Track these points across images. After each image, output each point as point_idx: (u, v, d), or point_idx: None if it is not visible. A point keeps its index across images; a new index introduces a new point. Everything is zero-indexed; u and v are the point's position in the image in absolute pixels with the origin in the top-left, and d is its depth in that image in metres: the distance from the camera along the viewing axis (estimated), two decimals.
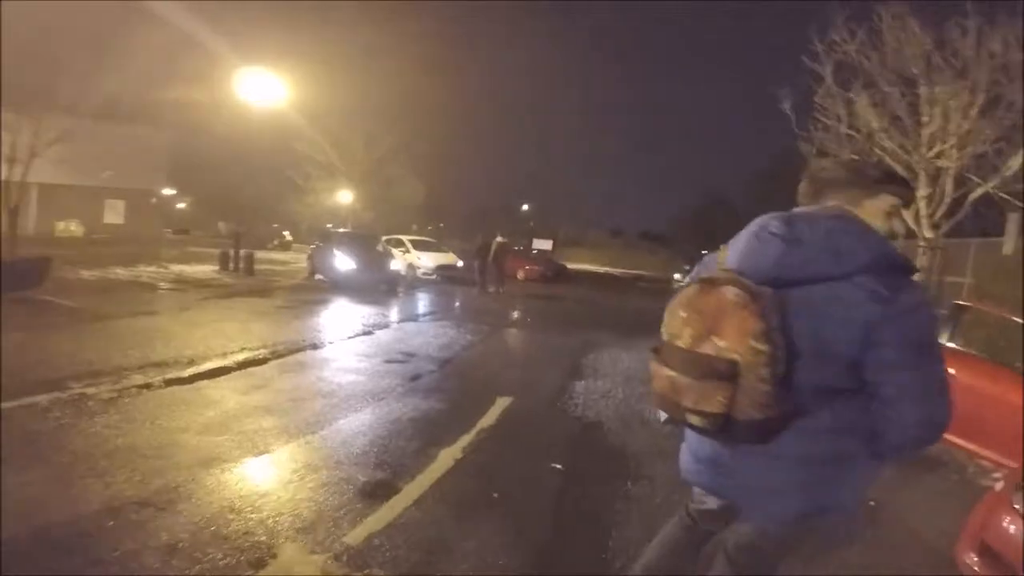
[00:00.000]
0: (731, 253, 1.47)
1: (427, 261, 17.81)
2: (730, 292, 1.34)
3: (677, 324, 1.43)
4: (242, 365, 5.87)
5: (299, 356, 6.49)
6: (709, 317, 1.35)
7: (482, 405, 4.99)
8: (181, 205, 49.62)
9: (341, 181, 24.81)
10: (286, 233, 37.11)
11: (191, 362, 5.77)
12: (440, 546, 2.72)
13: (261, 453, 3.66)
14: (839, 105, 7.25)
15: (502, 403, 5.08)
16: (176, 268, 15.79)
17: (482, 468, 3.71)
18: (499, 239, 16.44)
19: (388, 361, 6.45)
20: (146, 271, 14.36)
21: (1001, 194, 6.32)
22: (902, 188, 1.46)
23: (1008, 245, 10.36)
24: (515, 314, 12.07)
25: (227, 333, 7.40)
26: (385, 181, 26.59)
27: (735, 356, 1.30)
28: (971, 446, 3.76)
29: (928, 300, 1.37)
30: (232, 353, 6.30)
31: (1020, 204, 6.58)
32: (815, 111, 7.80)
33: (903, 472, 4.11)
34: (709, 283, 1.40)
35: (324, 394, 5.06)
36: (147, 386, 4.83)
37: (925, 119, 6.61)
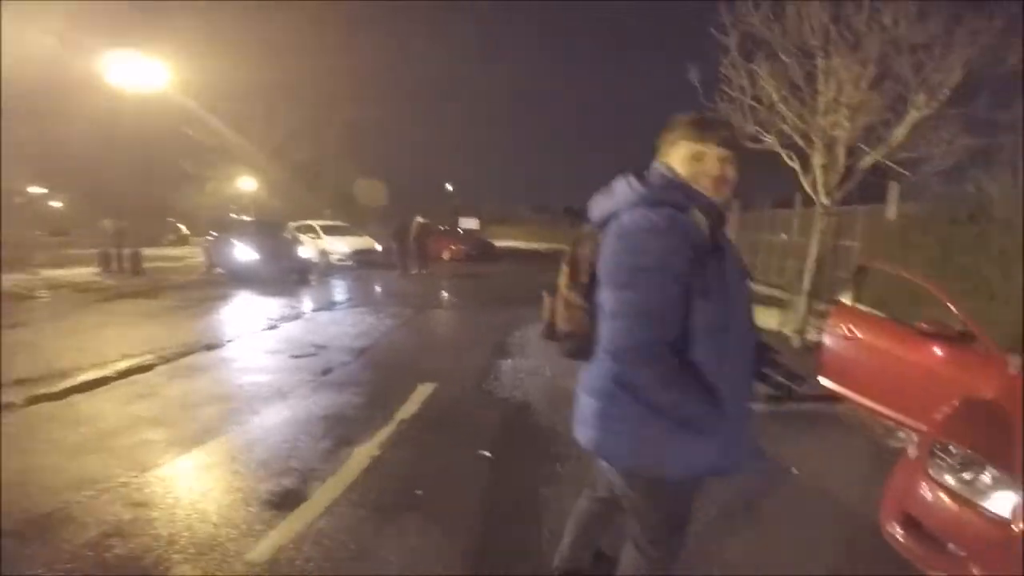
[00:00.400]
0: None
1: (341, 247, 16.84)
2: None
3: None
4: (123, 374, 5.21)
5: (192, 359, 5.80)
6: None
7: (402, 394, 4.60)
8: (56, 204, 44.79)
9: (241, 168, 22.88)
10: (181, 227, 34.26)
11: (62, 375, 5.08)
12: (357, 556, 2.41)
13: (147, 469, 3.20)
14: (743, 76, 7.33)
15: (424, 390, 4.71)
16: (49, 273, 14.06)
17: (403, 464, 3.35)
18: (419, 220, 15.84)
19: (296, 356, 5.89)
20: (12, 279, 12.63)
21: (888, 162, 6.60)
22: (699, 132, 1.50)
23: (891, 210, 11.35)
24: (439, 295, 11.61)
25: (107, 340, 6.57)
26: (293, 166, 24.79)
27: (561, 278, 1.63)
28: (877, 407, 3.70)
29: (654, 231, 1.39)
30: (112, 362, 5.60)
31: (904, 172, 6.93)
32: (721, 83, 7.86)
33: (812, 435, 4.14)
34: None
35: (221, 398, 4.50)
36: (8, 407, 4.19)
37: (821, 89, 6.79)
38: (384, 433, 3.80)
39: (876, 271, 4.83)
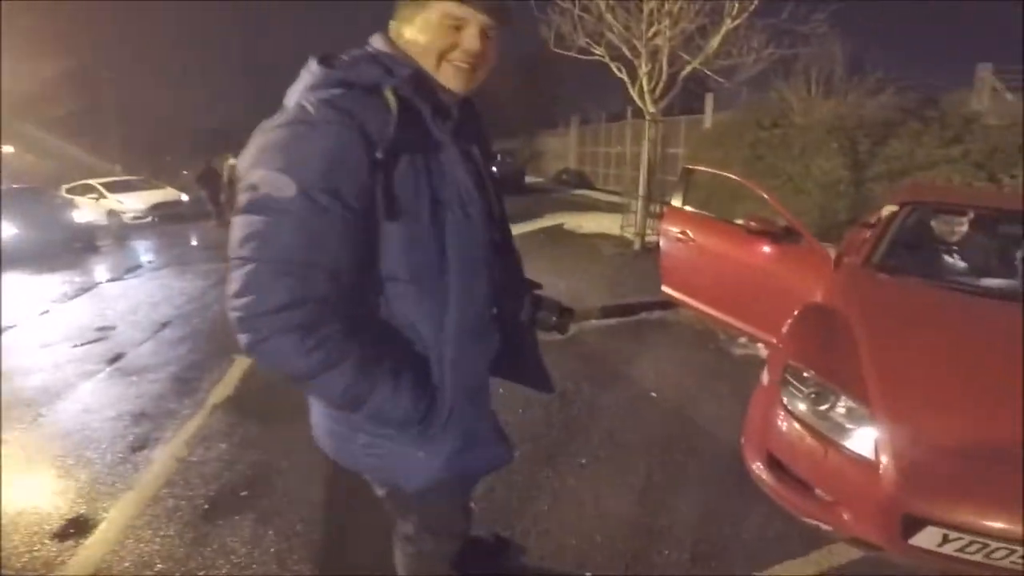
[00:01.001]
0: None
1: (135, 203, 14.18)
2: None
3: None
4: None
5: None
6: None
7: (214, 373, 3.88)
8: None
9: None
10: None
11: None
12: None
13: None
14: None
15: (241, 364, 4.00)
16: None
17: (219, 462, 2.76)
18: (231, 161, 13.78)
19: (75, 345, 4.74)
20: None
21: (705, 71, 6.87)
22: None
23: (707, 120, 12.50)
24: None
25: None
26: (54, 123, 20.17)
27: None
28: (716, 313, 3.62)
29: (306, 123, 0.93)
30: None
31: (720, 80, 7.28)
32: None
33: (662, 349, 4.22)
34: None
35: None
36: None
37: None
38: (192, 426, 3.14)
39: (701, 174, 4.93)
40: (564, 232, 9.26)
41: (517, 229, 9.47)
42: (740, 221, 3.51)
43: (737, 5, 6.52)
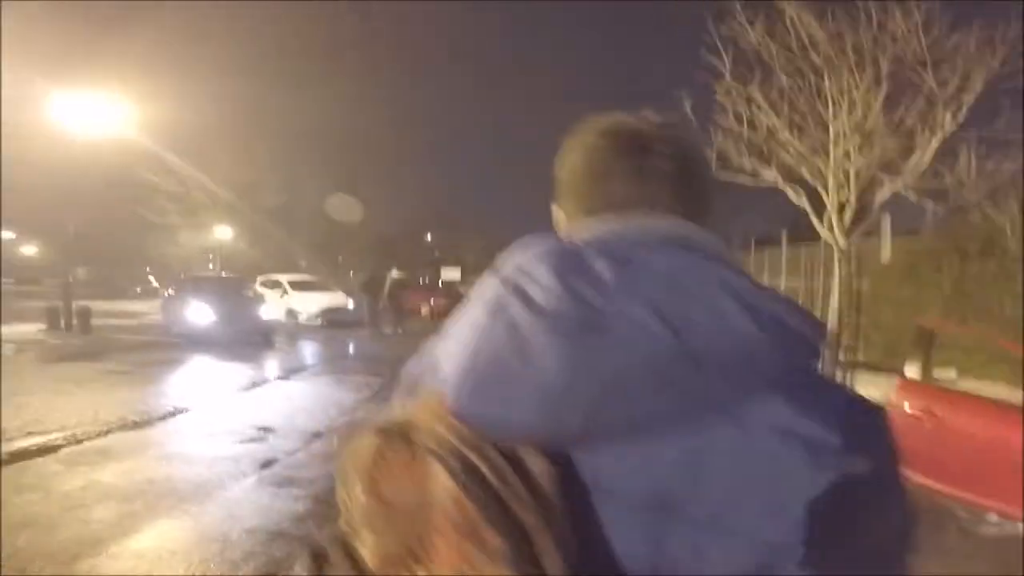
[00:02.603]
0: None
1: (309, 305, 15.80)
2: None
3: None
4: (16, 457, 4.30)
5: (109, 440, 4.84)
6: None
7: None
8: (28, 251, 43.42)
9: (207, 215, 21.83)
10: (151, 278, 32.96)
11: None
12: None
13: None
14: (740, 103, 6.73)
15: None
16: None
17: None
18: (395, 273, 15.02)
19: (237, 440, 4.92)
20: None
21: (909, 193, 6.01)
22: None
23: (884, 247, 10.22)
24: (413, 358, 10.66)
25: (14, 413, 5.56)
26: (263, 213, 23.73)
27: None
28: (964, 493, 3.17)
29: None
30: (10, 439, 4.68)
31: (929, 207, 6.38)
32: (714, 112, 7.24)
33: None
34: None
35: (122, 495, 3.57)
36: None
37: (828, 114, 6.23)
38: None
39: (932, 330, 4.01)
40: None
41: None
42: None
43: (948, 115, 5.68)
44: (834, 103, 6.24)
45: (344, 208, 29.27)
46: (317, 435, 5.22)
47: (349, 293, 17.20)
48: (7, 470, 4.01)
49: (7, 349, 10.22)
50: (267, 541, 3.07)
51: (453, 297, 22.54)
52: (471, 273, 43.55)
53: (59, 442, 4.68)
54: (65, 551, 2.78)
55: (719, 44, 6.86)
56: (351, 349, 11.81)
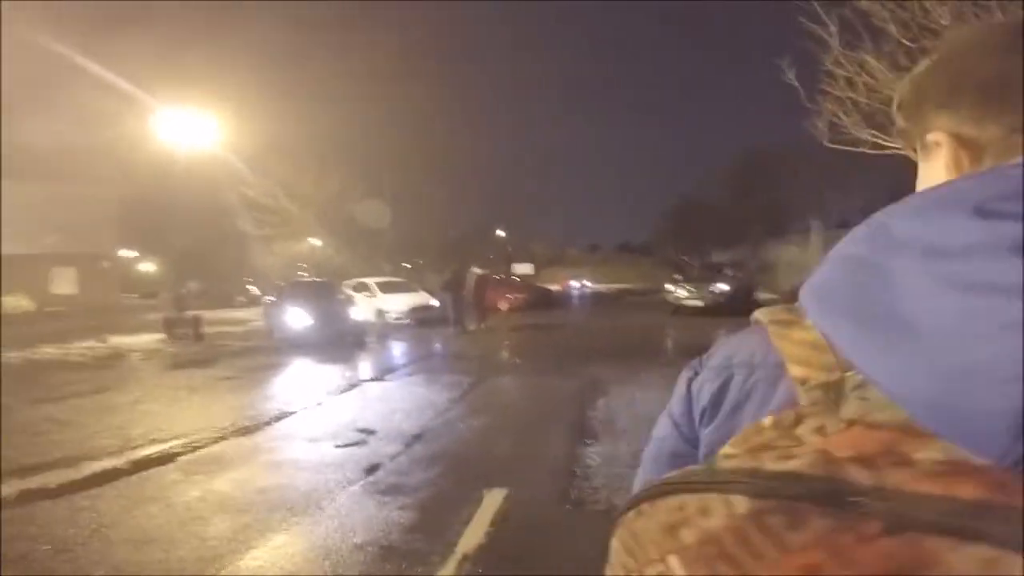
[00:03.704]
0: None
1: (397, 304, 16.19)
2: None
3: None
4: (138, 466, 4.47)
5: (223, 447, 4.98)
6: None
7: (463, 508, 3.50)
8: (148, 267, 47.71)
9: (298, 225, 22.98)
10: (251, 287, 35.19)
11: (66, 464, 4.48)
12: None
13: None
14: (853, 69, 6.15)
15: (492, 502, 3.59)
16: (116, 340, 14.07)
17: None
18: (475, 270, 15.03)
19: (339, 444, 4.92)
20: (78, 347, 12.64)
21: None
22: None
23: None
24: (500, 355, 10.56)
25: (138, 420, 5.92)
26: (348, 220, 24.63)
27: None
28: None
29: None
30: (133, 448, 4.93)
31: None
32: (820, 81, 6.76)
33: None
34: None
35: (236, 507, 3.58)
36: None
37: None
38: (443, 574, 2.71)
39: None
40: None
41: None
42: None
43: None
44: None
45: (419, 213, 29.99)
46: (417, 437, 5.12)
47: (432, 292, 17.46)
48: (129, 481, 4.17)
49: (134, 358, 11.12)
50: (378, 558, 2.93)
51: (528, 291, 22.39)
52: (542, 267, 43.65)
53: (178, 450, 4.87)
54: (183, 569, 2.76)
55: (819, 11, 6.31)
56: (439, 347, 11.88)
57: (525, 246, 47.48)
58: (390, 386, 7.57)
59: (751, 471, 0.30)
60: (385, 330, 14.85)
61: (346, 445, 4.90)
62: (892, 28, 6.00)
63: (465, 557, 2.91)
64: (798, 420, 0.32)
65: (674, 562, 0.29)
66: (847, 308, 0.33)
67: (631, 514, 0.33)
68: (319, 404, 6.53)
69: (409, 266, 33.99)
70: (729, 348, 0.46)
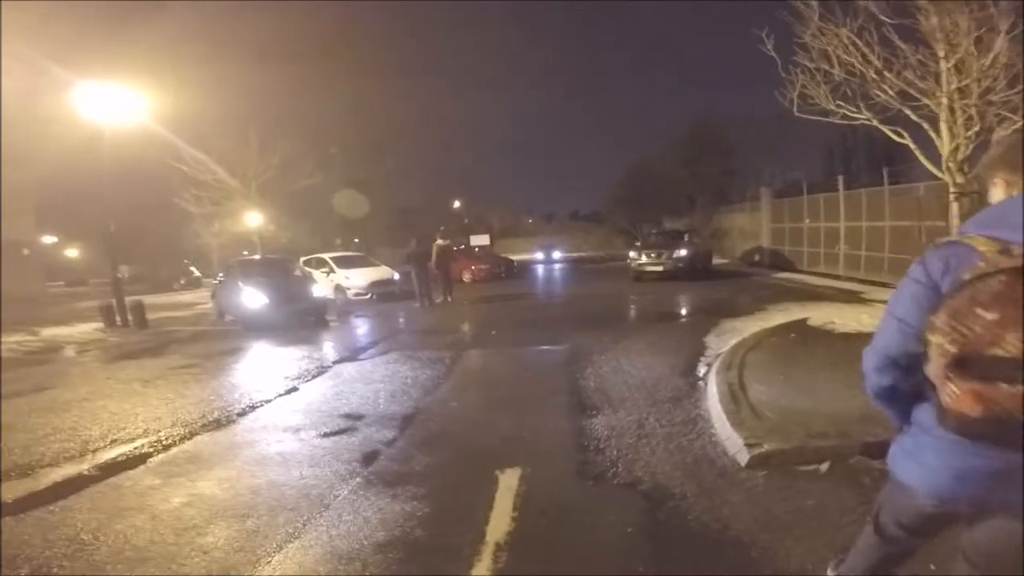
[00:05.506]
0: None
1: (358, 279, 15.56)
2: None
3: (987, 327, 1.12)
4: (106, 471, 4.04)
5: (196, 443, 4.57)
6: None
7: (481, 492, 3.29)
8: (71, 253, 44.40)
9: (241, 201, 21.58)
10: (193, 269, 33.28)
11: (24, 472, 4.07)
12: None
13: None
14: (833, 42, 6.35)
15: (508, 482, 3.39)
16: (50, 332, 12.97)
17: None
18: (440, 241, 14.57)
19: (326, 433, 4.59)
20: (7, 342, 11.54)
21: None
22: None
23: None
24: (474, 328, 10.28)
25: (91, 419, 5.39)
26: (294, 195, 23.46)
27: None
28: None
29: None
30: (91, 452, 4.46)
31: None
32: (795, 53, 7.01)
33: None
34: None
35: (232, 513, 3.24)
36: None
37: (941, 53, 5.78)
38: (480, 572, 2.49)
39: None
40: (819, 332, 7.26)
41: (752, 325, 8.20)
42: None
43: None
44: (949, 43, 5.70)
45: (370, 186, 28.98)
46: (409, 418, 4.84)
47: (391, 265, 16.90)
48: (99, 488, 3.75)
49: (72, 350, 10.24)
50: (406, 557, 2.68)
51: (491, 262, 22.09)
52: (498, 238, 43.46)
53: (147, 449, 4.44)
54: None
55: None
56: (408, 322, 11.50)
57: (482, 217, 47.00)
58: (366, 366, 7.19)
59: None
60: (347, 307, 14.28)
61: (334, 433, 4.57)
62: (871, 5, 6.12)
63: (499, 547, 2.70)
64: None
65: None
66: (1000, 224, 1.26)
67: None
68: (293, 390, 6.11)
69: (358, 240, 32.93)
70: (938, 249, 1.32)
